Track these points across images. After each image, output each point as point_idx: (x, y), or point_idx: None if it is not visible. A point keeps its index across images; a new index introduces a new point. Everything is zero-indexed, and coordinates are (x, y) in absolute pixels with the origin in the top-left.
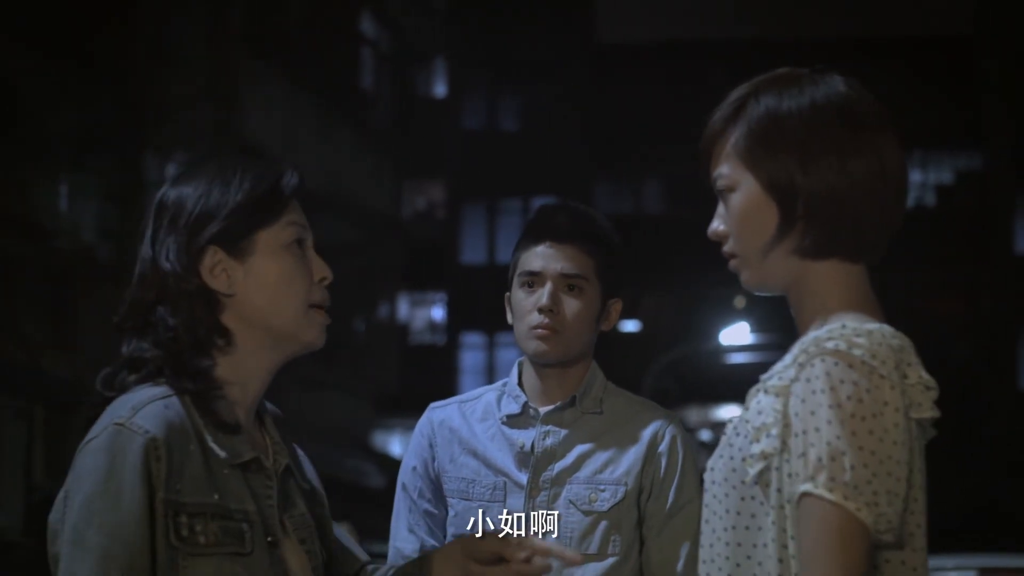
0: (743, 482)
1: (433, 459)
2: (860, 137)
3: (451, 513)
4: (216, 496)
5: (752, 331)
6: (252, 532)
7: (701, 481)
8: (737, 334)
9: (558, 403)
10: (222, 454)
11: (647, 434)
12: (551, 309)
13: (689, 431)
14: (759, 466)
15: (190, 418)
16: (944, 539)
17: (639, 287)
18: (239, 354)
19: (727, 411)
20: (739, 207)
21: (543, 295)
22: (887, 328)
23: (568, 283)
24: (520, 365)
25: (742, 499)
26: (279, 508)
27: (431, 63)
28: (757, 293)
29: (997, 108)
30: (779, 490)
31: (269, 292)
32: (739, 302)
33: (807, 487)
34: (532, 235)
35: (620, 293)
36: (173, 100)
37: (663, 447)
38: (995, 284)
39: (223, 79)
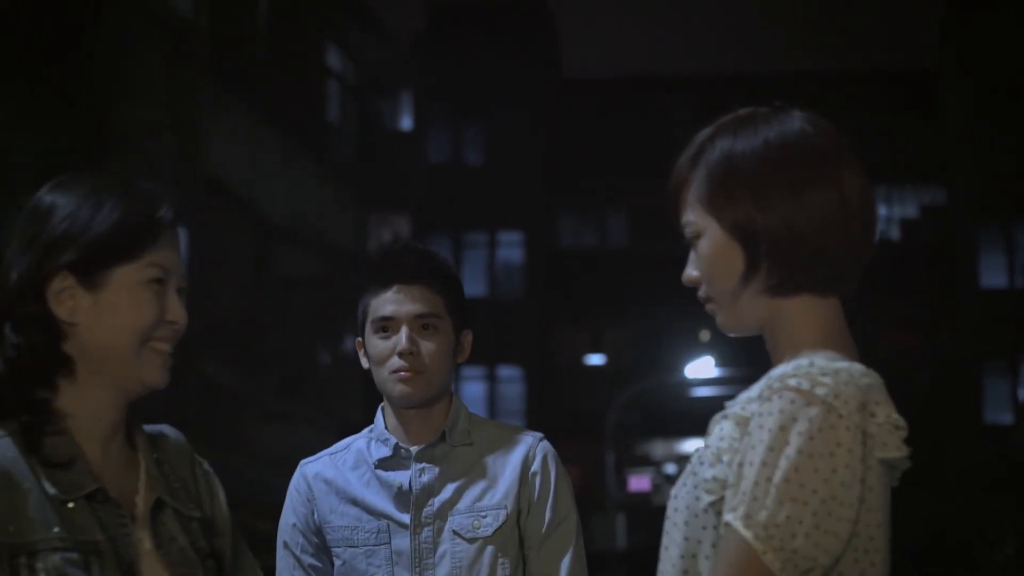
0: (701, 509)
1: (312, 513)
2: (815, 170)
3: (338, 563)
4: (56, 529)
5: (717, 365)
6: (101, 562)
7: (574, 497)
8: (702, 367)
9: (428, 441)
10: (52, 490)
11: (519, 456)
12: (411, 352)
13: (654, 464)
14: (712, 492)
15: (24, 455)
16: (903, 571)
17: (603, 320)
18: (82, 385)
19: (692, 444)
20: (707, 253)
21: (400, 339)
22: (857, 367)
23: (423, 323)
24: (383, 410)
25: (696, 526)
26: (148, 543)
27: (396, 96)
28: (734, 335)
29: (962, 143)
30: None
31: (110, 327)
32: (704, 335)
33: (728, 516)
34: (379, 280)
35: (470, 324)
36: (136, 130)
37: (536, 467)
38: (959, 318)
39: (187, 109)
